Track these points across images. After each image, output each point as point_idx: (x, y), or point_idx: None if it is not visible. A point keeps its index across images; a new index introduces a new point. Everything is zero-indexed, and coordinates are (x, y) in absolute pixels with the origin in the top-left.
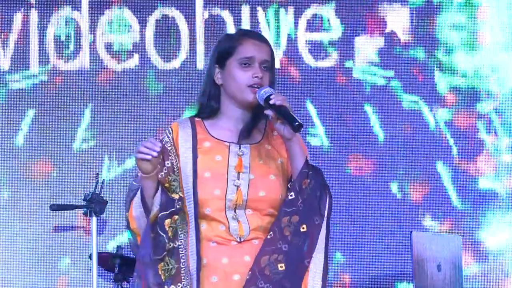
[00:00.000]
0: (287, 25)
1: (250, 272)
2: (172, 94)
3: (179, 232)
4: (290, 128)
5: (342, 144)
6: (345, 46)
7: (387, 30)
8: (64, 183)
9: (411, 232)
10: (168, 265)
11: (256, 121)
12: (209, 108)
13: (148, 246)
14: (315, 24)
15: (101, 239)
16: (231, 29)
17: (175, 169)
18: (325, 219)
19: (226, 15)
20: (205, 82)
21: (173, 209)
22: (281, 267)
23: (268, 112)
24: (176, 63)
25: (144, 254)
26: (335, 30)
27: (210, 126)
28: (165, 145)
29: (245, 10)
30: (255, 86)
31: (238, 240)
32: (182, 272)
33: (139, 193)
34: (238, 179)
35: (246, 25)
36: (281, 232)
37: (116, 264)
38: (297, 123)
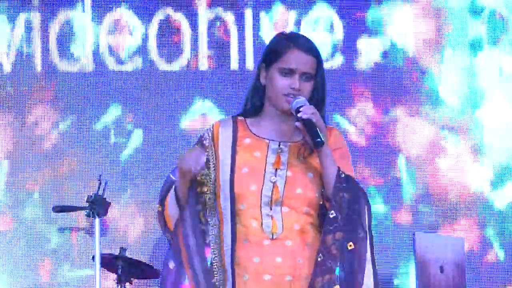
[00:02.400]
0: (290, 27)
1: None
2: (175, 95)
3: (210, 229)
4: (311, 143)
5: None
6: (349, 48)
7: (390, 30)
8: (67, 184)
9: (414, 233)
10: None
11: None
12: (251, 104)
13: (190, 234)
14: (317, 26)
15: (104, 241)
16: (233, 30)
17: (210, 165)
18: (368, 230)
19: (229, 16)
20: (254, 77)
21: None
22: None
23: (297, 124)
24: (178, 65)
25: (187, 243)
26: (338, 31)
27: (251, 124)
28: (204, 141)
29: (248, 12)
30: (290, 96)
31: (271, 237)
32: (214, 267)
33: (172, 191)
34: (275, 176)
35: (248, 27)
36: (329, 251)
37: (119, 266)
38: (317, 140)
